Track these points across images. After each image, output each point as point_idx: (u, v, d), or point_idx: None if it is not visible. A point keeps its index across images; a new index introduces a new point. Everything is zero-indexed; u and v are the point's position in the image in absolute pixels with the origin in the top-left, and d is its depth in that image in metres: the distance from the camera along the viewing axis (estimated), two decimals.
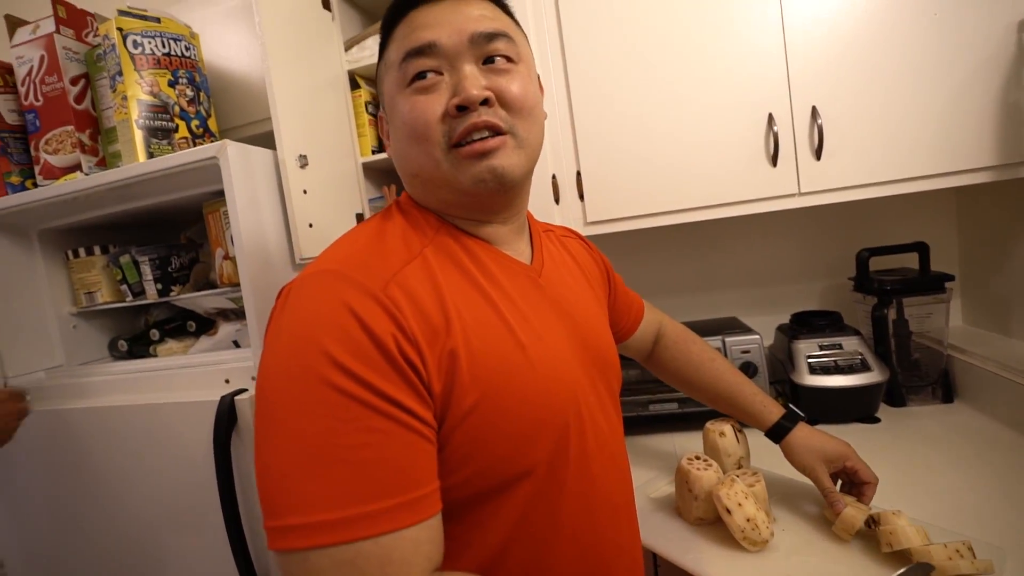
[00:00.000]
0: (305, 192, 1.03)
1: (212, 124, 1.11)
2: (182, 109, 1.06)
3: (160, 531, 1.03)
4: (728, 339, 1.09)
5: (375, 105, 1.31)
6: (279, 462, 0.40)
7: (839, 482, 0.77)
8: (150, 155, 1.01)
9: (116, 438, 1.03)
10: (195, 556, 1.01)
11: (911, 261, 1.15)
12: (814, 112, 0.99)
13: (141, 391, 1.05)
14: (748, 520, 0.68)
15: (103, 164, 1.12)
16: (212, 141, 1.10)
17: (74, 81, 1.09)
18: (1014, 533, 0.68)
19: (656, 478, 0.94)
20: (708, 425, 0.86)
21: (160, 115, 1.03)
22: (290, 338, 0.43)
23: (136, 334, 1.23)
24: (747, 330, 1.11)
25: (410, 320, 0.44)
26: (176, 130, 1.04)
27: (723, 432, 0.83)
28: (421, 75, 0.49)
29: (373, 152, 1.29)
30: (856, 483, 0.75)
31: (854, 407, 1.05)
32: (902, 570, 0.61)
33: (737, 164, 1.04)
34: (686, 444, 1.07)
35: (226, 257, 1.05)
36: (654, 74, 1.06)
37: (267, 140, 1.01)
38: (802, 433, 0.78)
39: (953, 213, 1.26)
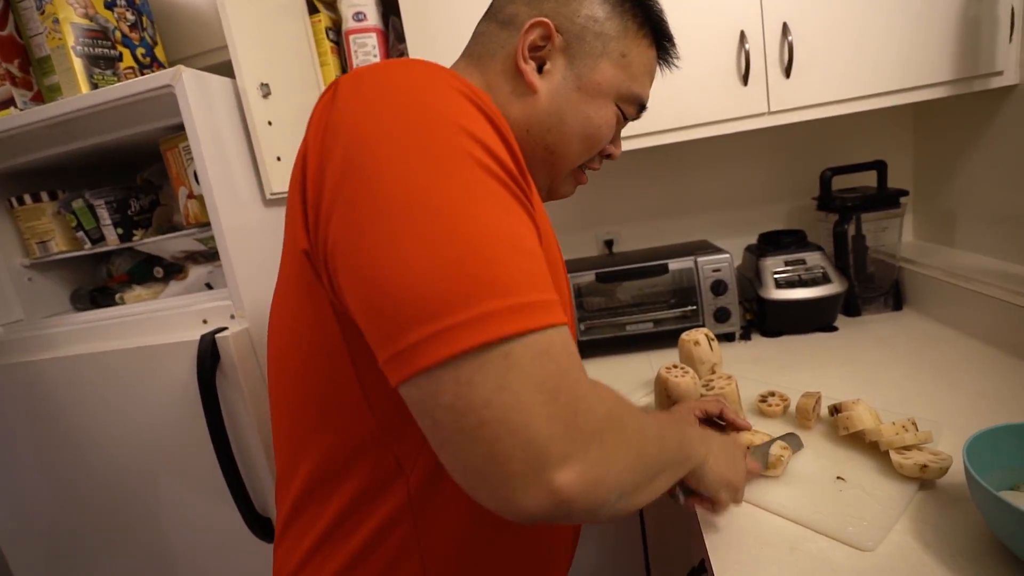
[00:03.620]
0: (270, 124, 0.99)
1: (159, 53, 1.04)
2: (124, 35, 0.98)
3: (149, 475, 1.03)
4: (700, 259, 1.13)
5: (336, 31, 1.24)
6: (442, 250, 0.32)
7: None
8: (94, 86, 0.94)
9: (91, 387, 1.01)
10: (189, 495, 1.02)
11: (870, 180, 1.20)
12: (785, 29, 0.99)
13: (113, 338, 1.02)
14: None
15: (39, 99, 1.04)
16: (161, 71, 1.02)
17: None
18: (951, 412, 0.76)
19: (635, 390, 0.99)
20: (683, 336, 0.91)
21: (100, 41, 0.95)
22: (407, 112, 0.36)
23: (100, 284, 1.18)
24: (718, 250, 1.15)
25: (512, 144, 0.40)
26: (120, 58, 0.97)
27: (697, 341, 0.88)
28: (625, 117, 0.58)
29: None
30: (726, 420, 0.76)
31: (815, 317, 1.13)
32: (778, 436, 0.72)
33: (710, 84, 1.04)
34: (662, 360, 1.13)
35: (190, 196, 1.00)
36: None
37: (222, 72, 0.95)
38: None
39: (910, 131, 1.31)
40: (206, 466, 0.95)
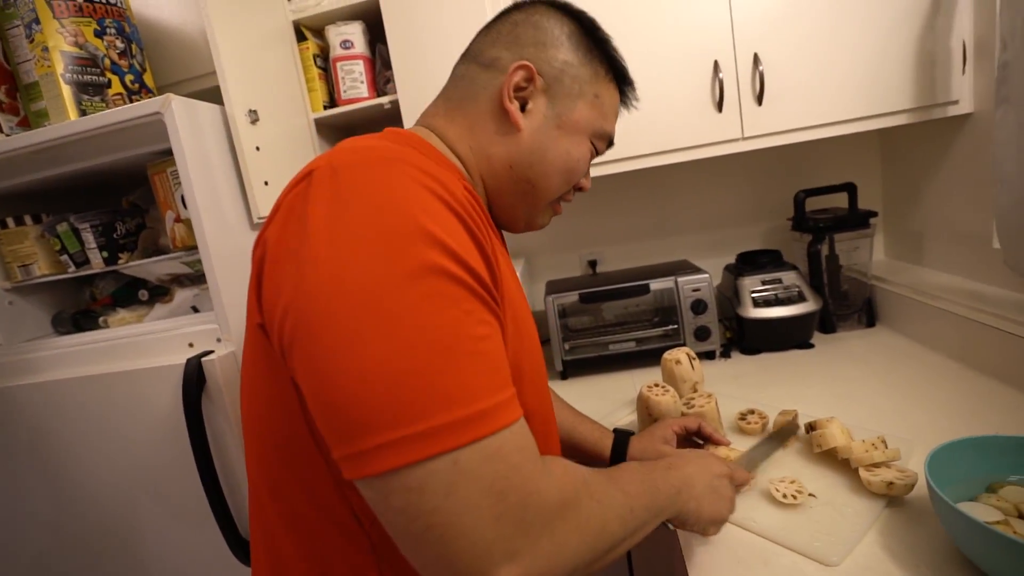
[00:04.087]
0: (258, 149, 1.01)
1: (148, 79, 1.05)
2: (113, 62, 0.99)
3: (131, 501, 1.02)
4: (680, 279, 1.16)
5: (323, 58, 1.26)
6: (398, 362, 0.34)
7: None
8: (82, 113, 0.95)
9: (74, 413, 1.00)
10: (172, 521, 1.01)
11: (842, 201, 1.25)
12: (756, 59, 1.04)
13: (96, 362, 1.02)
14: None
15: (26, 124, 1.05)
16: (150, 97, 1.04)
17: None
18: (921, 427, 0.79)
19: (618, 409, 1.01)
20: (665, 355, 0.93)
21: (89, 69, 0.96)
22: (374, 218, 0.37)
23: (83, 307, 1.18)
24: (697, 270, 1.19)
25: (480, 232, 0.41)
26: (109, 85, 0.98)
27: (679, 360, 0.90)
28: (596, 152, 0.61)
29: (325, 107, 1.26)
30: (704, 436, 0.79)
31: (792, 335, 1.16)
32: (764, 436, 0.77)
33: (687, 111, 1.09)
34: (645, 378, 1.15)
35: (177, 220, 1.01)
36: (604, 25, 1.08)
37: (210, 97, 0.96)
38: (636, 438, 0.80)
39: (877, 155, 1.36)
40: (190, 490, 0.94)
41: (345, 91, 1.25)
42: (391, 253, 0.36)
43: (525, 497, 0.36)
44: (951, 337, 1.00)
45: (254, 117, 1.02)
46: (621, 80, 0.63)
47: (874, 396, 0.91)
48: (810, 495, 0.66)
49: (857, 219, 1.19)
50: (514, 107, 0.54)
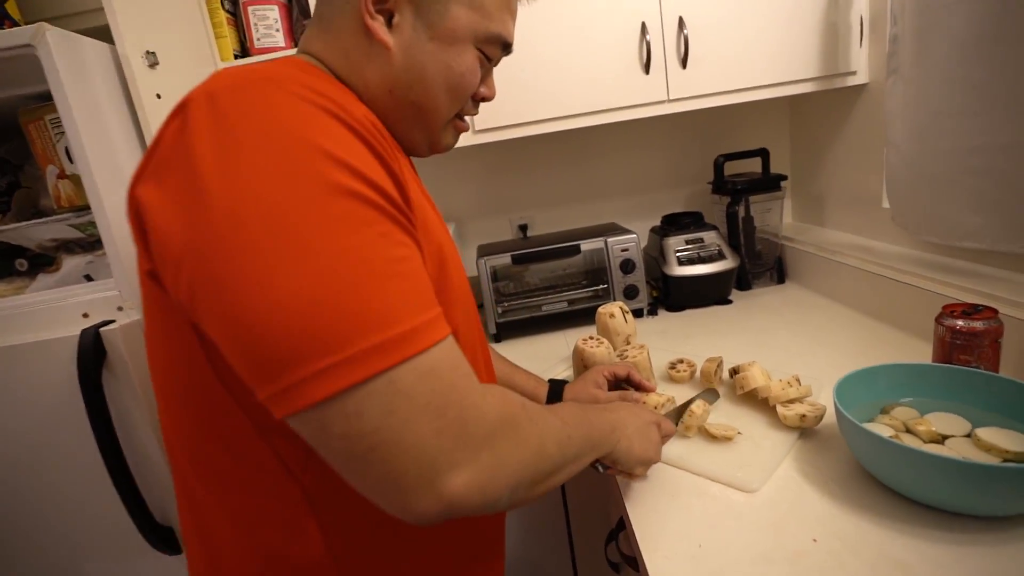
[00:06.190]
0: (159, 97, 0.90)
1: (12, 8, 0.90)
2: None
3: (27, 492, 0.91)
4: (609, 239, 1.19)
5: (233, 1, 1.15)
6: (314, 289, 0.32)
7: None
8: None
9: None
10: (78, 513, 0.92)
11: (757, 166, 1.33)
12: (681, 23, 1.06)
13: None
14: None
15: None
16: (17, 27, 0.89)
17: None
18: (826, 367, 0.87)
19: (554, 366, 1.03)
20: (600, 309, 0.95)
21: None
22: (266, 142, 0.34)
23: None
24: (626, 231, 1.22)
25: (386, 152, 0.38)
26: None
27: (612, 314, 0.93)
28: (488, 59, 0.53)
29: (236, 57, 1.15)
30: (634, 383, 0.81)
31: (713, 291, 1.23)
32: (696, 394, 0.79)
33: (614, 72, 1.10)
34: (577, 337, 1.17)
35: (61, 176, 0.89)
36: None
37: (98, 37, 0.85)
38: (569, 385, 0.82)
39: (787, 122, 1.46)
40: (96, 476, 0.85)
41: (258, 39, 1.15)
42: (290, 178, 0.33)
43: (463, 412, 0.36)
44: (848, 288, 1.11)
45: (152, 60, 0.91)
46: None
47: (786, 343, 0.99)
48: (738, 433, 0.70)
49: (769, 182, 1.27)
50: (377, 23, 0.46)
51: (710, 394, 0.80)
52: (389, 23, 0.47)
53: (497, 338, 1.24)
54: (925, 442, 0.59)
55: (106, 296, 0.85)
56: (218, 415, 0.41)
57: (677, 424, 0.72)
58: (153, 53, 0.90)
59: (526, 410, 0.42)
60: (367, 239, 0.35)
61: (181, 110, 0.36)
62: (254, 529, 0.44)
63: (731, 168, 1.33)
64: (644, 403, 0.76)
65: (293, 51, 1.13)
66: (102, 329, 0.81)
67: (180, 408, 0.43)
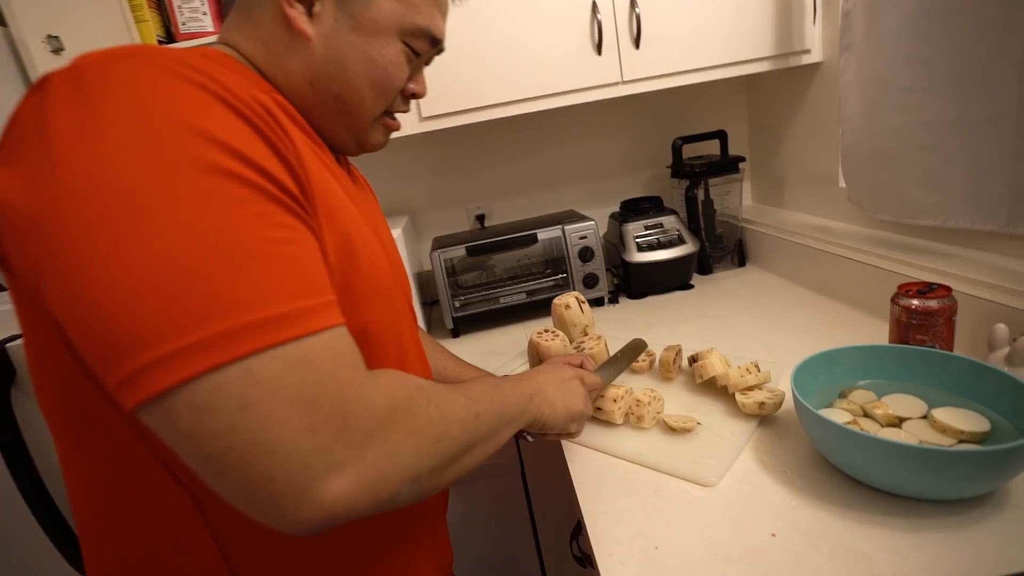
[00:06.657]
0: None
1: None
2: None
3: None
4: (567, 227, 1.15)
5: None
6: (163, 266, 0.29)
7: None
8: None
9: None
10: None
11: (715, 148, 1.31)
12: (632, 1, 1.03)
13: None
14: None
15: None
16: None
17: None
18: (786, 350, 0.86)
19: (512, 360, 0.99)
20: (555, 301, 0.92)
21: None
22: (131, 118, 0.31)
23: None
24: (583, 218, 1.19)
25: (277, 137, 0.36)
26: None
27: (568, 305, 0.90)
28: (416, 53, 0.51)
29: (161, 43, 1.06)
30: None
31: (674, 276, 1.21)
32: (624, 345, 0.80)
33: (565, 53, 1.06)
34: (536, 329, 1.15)
35: None
36: None
37: None
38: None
39: (744, 103, 1.45)
40: (9, 498, 0.78)
41: (183, 23, 1.07)
42: (151, 153, 0.30)
43: (343, 405, 0.32)
44: (807, 270, 1.10)
45: (56, 45, 0.83)
46: None
47: (747, 327, 0.97)
48: (697, 423, 0.68)
49: (728, 164, 1.25)
50: (296, 11, 0.44)
51: (637, 344, 0.79)
52: (310, 12, 0.45)
53: (455, 333, 1.20)
54: (883, 426, 0.57)
55: (5, 310, 0.77)
56: (89, 413, 0.37)
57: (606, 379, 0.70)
58: (56, 37, 0.82)
59: (424, 392, 0.39)
60: (237, 217, 0.31)
61: (40, 86, 0.33)
62: (142, 541, 0.40)
63: (690, 151, 1.31)
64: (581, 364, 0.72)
65: None
66: (9, 345, 0.73)
67: (58, 409, 0.39)
